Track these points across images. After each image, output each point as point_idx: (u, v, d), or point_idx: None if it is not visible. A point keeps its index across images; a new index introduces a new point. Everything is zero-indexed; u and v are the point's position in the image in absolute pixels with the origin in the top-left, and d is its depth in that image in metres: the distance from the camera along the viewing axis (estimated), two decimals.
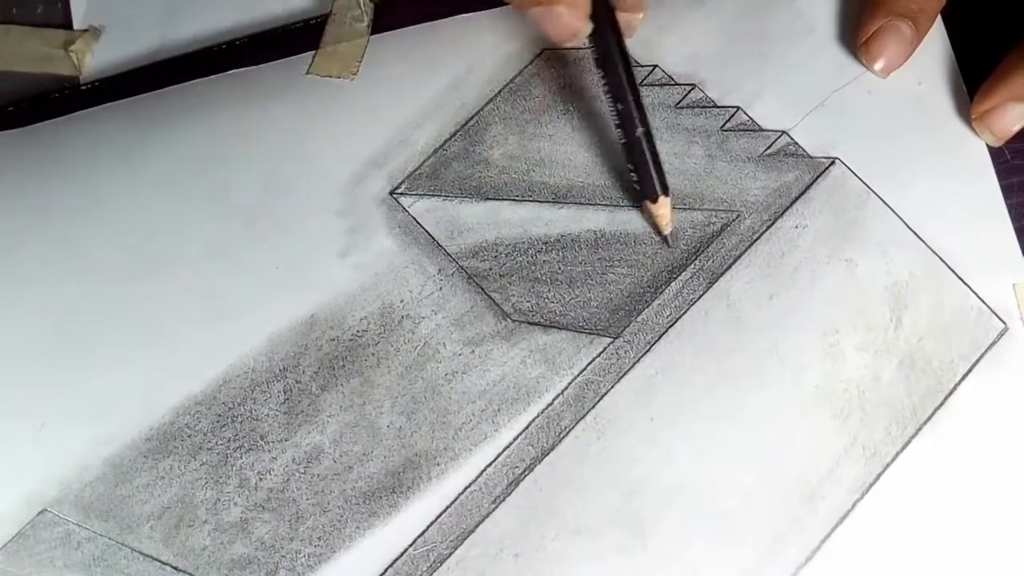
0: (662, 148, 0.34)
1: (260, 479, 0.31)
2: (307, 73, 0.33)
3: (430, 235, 0.33)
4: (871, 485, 0.30)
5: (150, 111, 0.34)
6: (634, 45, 0.34)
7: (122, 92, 0.34)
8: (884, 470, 0.31)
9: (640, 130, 0.31)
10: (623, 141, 0.32)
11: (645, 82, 0.34)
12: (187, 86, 0.34)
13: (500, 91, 0.34)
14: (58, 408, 0.32)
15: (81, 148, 0.35)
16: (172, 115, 0.34)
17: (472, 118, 0.34)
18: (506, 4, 0.32)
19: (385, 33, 0.34)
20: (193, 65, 0.33)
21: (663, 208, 0.33)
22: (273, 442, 0.32)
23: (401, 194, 0.33)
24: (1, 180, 0.35)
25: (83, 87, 0.34)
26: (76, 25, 0.41)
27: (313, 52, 0.33)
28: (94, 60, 0.41)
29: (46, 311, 0.34)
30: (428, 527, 0.32)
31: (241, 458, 0.31)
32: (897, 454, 0.31)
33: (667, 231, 0.33)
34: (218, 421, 0.32)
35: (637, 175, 0.32)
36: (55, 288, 0.34)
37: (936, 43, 0.35)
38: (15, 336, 0.33)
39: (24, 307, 0.34)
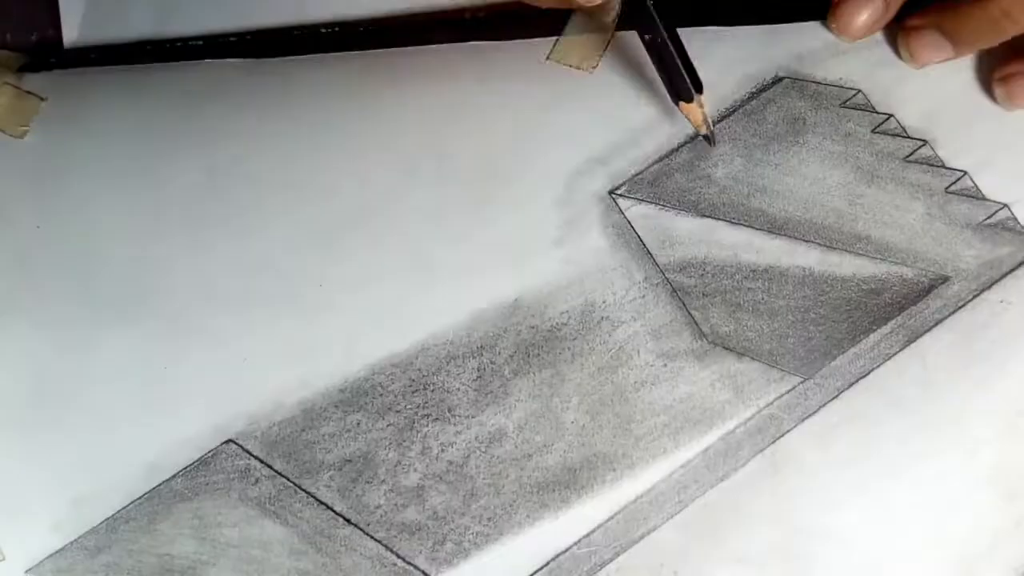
0: (884, 199, 0.35)
1: (442, 450, 0.33)
2: (547, 59, 0.34)
3: (642, 241, 0.34)
4: None
5: (386, 68, 0.36)
6: (873, 91, 0.35)
7: (359, 43, 0.34)
8: None
9: (664, 33, 0.34)
10: (649, 46, 0.35)
11: (878, 130, 0.34)
12: (424, 50, 0.35)
13: (734, 111, 0.36)
14: (261, 344, 0.34)
15: (312, 90, 0.36)
16: (407, 76, 0.35)
17: (703, 132, 0.34)
18: (750, 24, 0.32)
19: (630, 31, 0.34)
20: (434, 29, 0.34)
21: (698, 108, 0.36)
22: (460, 416, 0.33)
23: (620, 195, 0.34)
24: (214, 114, 0.36)
25: (324, 30, 0.35)
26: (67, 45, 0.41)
27: (556, 38, 0.34)
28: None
29: (253, 248, 0.35)
30: (595, 529, 0.33)
31: (427, 426, 0.33)
32: None
33: (704, 131, 0.37)
34: (410, 386, 0.33)
35: (668, 78, 0.35)
36: (265, 230, 0.35)
37: None
38: (222, 266, 0.35)
39: (234, 242, 0.35)
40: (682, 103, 0.35)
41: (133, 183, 0.38)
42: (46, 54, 0.40)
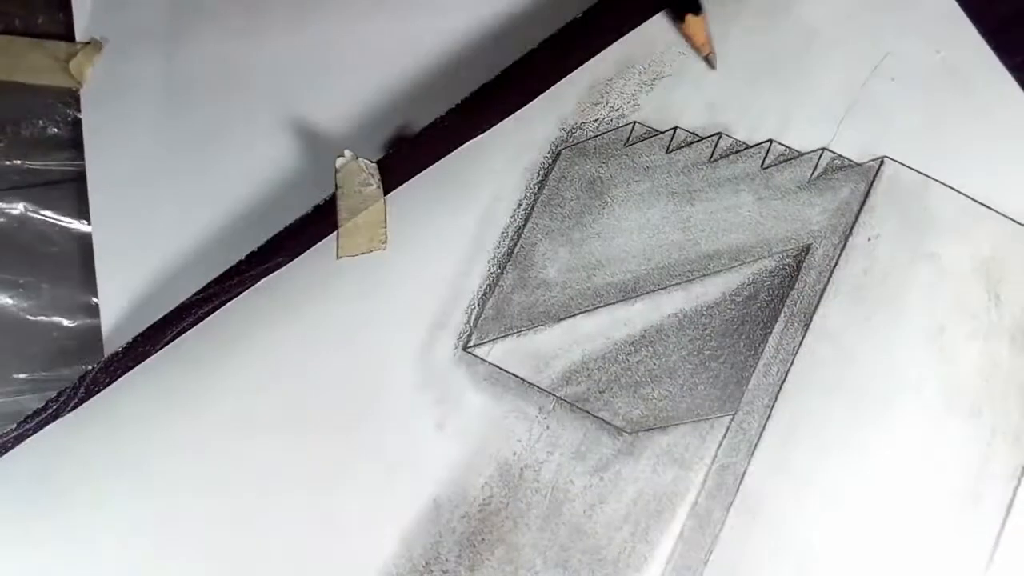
0: (712, 208, 0.34)
1: None
2: (338, 258, 0.33)
3: (518, 377, 0.33)
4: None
5: (192, 350, 0.34)
6: (648, 116, 0.34)
7: (157, 342, 0.33)
8: None
9: None
10: None
11: (671, 148, 0.34)
12: (220, 314, 0.34)
13: (533, 207, 0.35)
14: None
15: (139, 411, 0.34)
16: (216, 347, 0.34)
17: (516, 244, 0.34)
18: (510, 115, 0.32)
19: (398, 189, 0.34)
20: (218, 291, 0.33)
21: (703, 24, 0.36)
22: None
23: (474, 346, 0.33)
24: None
25: (122, 351, 0.34)
26: (79, 36, 0.46)
27: (335, 233, 0.33)
28: (96, 72, 0.45)
29: (174, 552, 0.34)
30: None
31: None
32: None
33: (707, 51, 0.36)
34: None
35: None
36: (177, 529, 0.34)
37: (941, 6, 0.34)
38: None
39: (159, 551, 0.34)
40: (689, 17, 0.34)
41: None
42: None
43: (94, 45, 0.44)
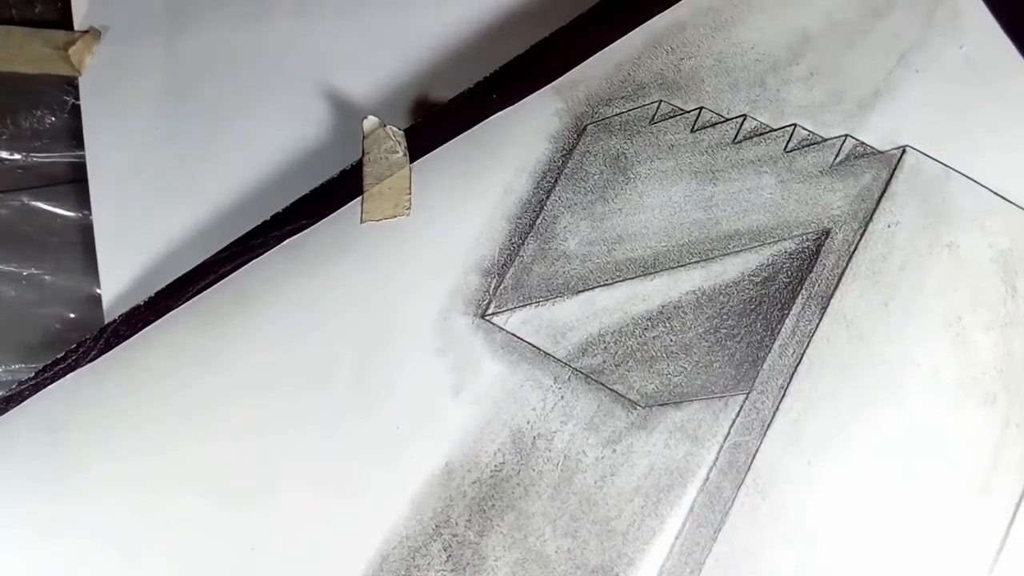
0: (734, 188, 0.36)
1: None
2: (362, 222, 0.34)
3: (534, 346, 0.34)
4: None
5: (214, 306, 0.35)
6: (672, 94, 0.36)
7: (182, 294, 0.34)
8: None
9: None
10: None
11: (696, 127, 0.35)
12: (241, 273, 0.35)
13: (557, 180, 0.36)
14: None
15: (158, 364, 0.35)
16: (236, 304, 0.35)
17: (538, 216, 0.35)
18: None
19: (424, 157, 0.35)
20: (241, 250, 0.34)
21: None
22: None
23: (493, 314, 0.34)
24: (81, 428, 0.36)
25: (143, 305, 0.35)
26: (77, 25, 0.46)
27: (360, 199, 0.34)
28: (95, 61, 0.45)
29: (172, 546, 0.35)
30: None
31: None
32: None
33: None
34: None
35: None
36: (176, 526, 0.35)
37: (964, 1, 0.36)
38: None
39: (150, 554, 0.35)
40: None
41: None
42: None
43: (93, 33, 0.44)
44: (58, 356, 0.38)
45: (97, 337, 0.39)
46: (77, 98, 0.45)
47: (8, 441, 0.39)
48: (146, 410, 0.38)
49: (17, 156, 0.46)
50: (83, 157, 0.44)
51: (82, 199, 0.45)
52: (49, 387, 0.39)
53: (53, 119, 0.46)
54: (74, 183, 0.45)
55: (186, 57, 0.45)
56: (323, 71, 0.44)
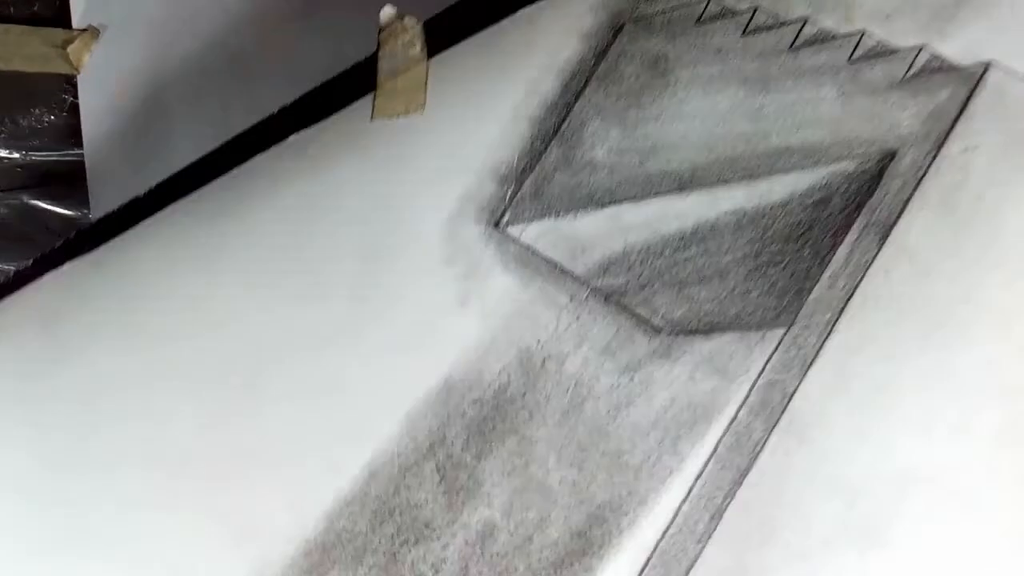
0: (788, 99, 0.32)
1: (436, 572, 0.30)
2: (372, 119, 0.32)
3: (551, 261, 0.31)
4: None
5: (216, 201, 0.34)
6: None
7: (185, 188, 0.33)
8: None
9: None
10: None
11: (748, 30, 0.31)
12: (249, 166, 0.34)
13: (587, 82, 0.33)
14: (200, 543, 0.32)
15: (156, 257, 0.34)
16: (239, 200, 0.34)
17: (564, 120, 0.32)
18: None
19: (443, 53, 0.32)
20: (252, 140, 0.32)
21: None
22: (439, 527, 0.31)
23: (507, 224, 0.32)
24: (82, 315, 0.35)
25: (144, 196, 0.34)
26: (75, 24, 0.45)
27: (372, 94, 0.32)
28: (93, 59, 0.44)
29: (158, 444, 0.33)
30: None
31: (411, 553, 0.31)
32: None
33: None
34: (375, 518, 0.31)
35: None
36: (161, 422, 0.33)
37: None
38: (136, 475, 0.33)
39: (136, 445, 0.33)
40: None
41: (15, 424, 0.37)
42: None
43: (91, 31, 0.44)
44: (55, 245, 0.37)
45: (96, 226, 0.37)
46: (76, 96, 0.45)
47: (5, 329, 0.39)
48: (141, 304, 0.37)
49: (16, 155, 0.46)
50: (81, 154, 0.45)
51: (80, 196, 0.45)
52: (45, 277, 0.38)
53: (52, 117, 0.45)
54: (72, 180, 0.45)
55: (184, 54, 0.44)
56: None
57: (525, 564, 0.33)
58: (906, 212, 0.34)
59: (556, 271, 0.35)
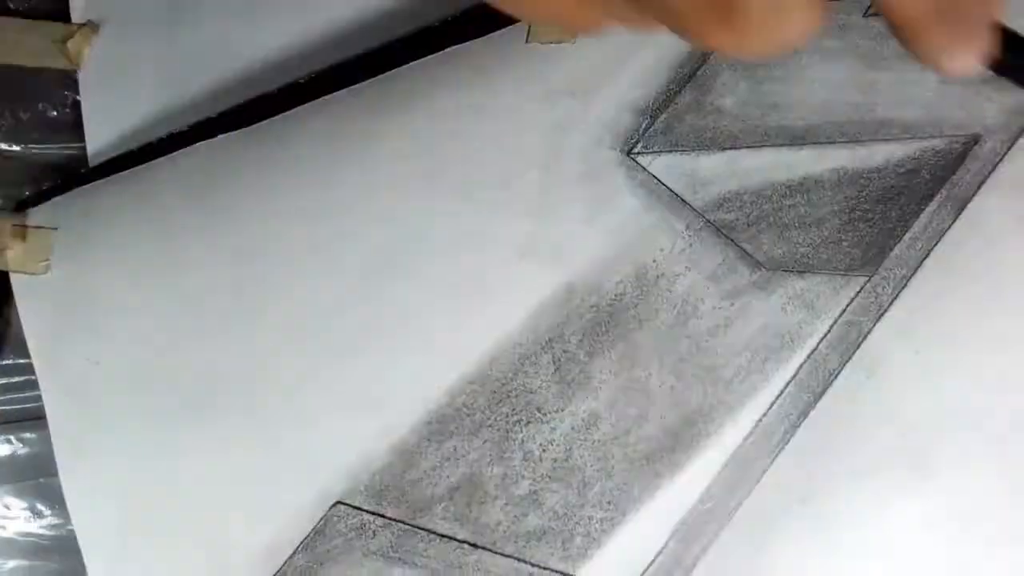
0: (895, 79, 0.36)
1: (543, 450, 0.34)
2: (527, 42, 0.35)
3: (673, 192, 0.35)
4: None
5: (372, 99, 0.37)
6: None
7: (342, 82, 0.35)
8: None
9: None
10: None
11: (868, 12, 0.36)
12: (407, 69, 0.36)
13: None
14: (336, 403, 0.35)
15: (309, 144, 0.37)
16: (395, 102, 0.36)
17: (699, 68, 0.36)
18: None
19: None
20: (412, 46, 0.35)
21: None
22: (550, 412, 0.35)
23: (638, 154, 0.35)
24: (234, 184, 0.37)
25: (301, 81, 0.36)
26: (74, 18, 0.45)
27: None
28: (94, 53, 0.44)
29: (300, 313, 0.36)
30: (712, 483, 0.34)
31: (522, 432, 0.34)
32: None
33: None
34: (493, 398, 0.35)
35: None
36: (305, 291, 0.36)
37: None
38: (275, 340, 0.36)
39: (279, 311, 0.36)
40: None
41: (161, 286, 0.39)
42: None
43: (91, 26, 0.43)
44: (212, 114, 0.40)
45: (133, 152, 0.39)
46: (77, 92, 0.44)
47: (154, 192, 0.40)
48: (296, 182, 0.41)
49: (16, 148, 0.44)
50: (83, 150, 0.44)
51: None
52: (199, 144, 0.41)
53: (53, 113, 0.44)
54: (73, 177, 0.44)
55: (185, 50, 0.43)
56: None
57: (622, 453, 0.38)
58: (980, 191, 0.39)
59: (676, 201, 0.39)
